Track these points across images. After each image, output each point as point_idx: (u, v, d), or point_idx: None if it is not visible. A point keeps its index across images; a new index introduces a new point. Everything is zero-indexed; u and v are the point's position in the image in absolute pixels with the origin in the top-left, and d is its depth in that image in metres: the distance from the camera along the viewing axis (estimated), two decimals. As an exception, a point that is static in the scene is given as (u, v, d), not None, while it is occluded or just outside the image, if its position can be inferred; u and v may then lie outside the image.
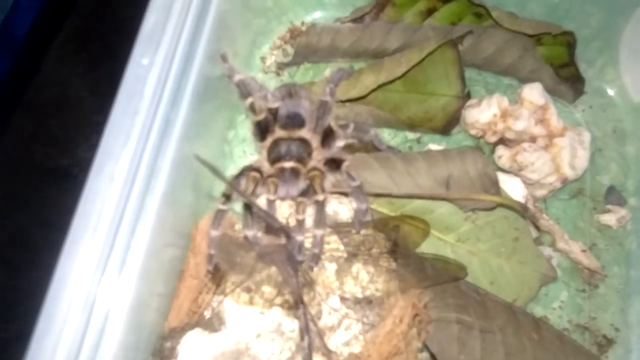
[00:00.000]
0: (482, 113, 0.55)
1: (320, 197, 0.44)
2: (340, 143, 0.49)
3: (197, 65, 0.43)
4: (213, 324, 0.44)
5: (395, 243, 0.45)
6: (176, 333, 0.44)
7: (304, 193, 0.46)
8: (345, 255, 0.45)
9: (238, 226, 0.48)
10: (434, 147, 0.55)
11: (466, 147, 0.52)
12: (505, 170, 0.56)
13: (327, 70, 0.61)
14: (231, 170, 0.53)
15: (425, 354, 0.46)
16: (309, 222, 0.45)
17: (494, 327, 0.45)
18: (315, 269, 0.44)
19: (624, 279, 0.55)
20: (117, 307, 0.37)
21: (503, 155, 0.55)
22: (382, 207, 0.50)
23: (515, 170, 0.55)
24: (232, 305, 0.44)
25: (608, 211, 0.57)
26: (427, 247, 0.49)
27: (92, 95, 0.70)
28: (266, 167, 0.48)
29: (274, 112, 0.50)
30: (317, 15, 0.63)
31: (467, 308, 0.45)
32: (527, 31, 0.57)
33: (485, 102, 0.56)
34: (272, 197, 0.45)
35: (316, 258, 0.44)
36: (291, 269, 0.43)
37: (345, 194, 0.48)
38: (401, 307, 0.42)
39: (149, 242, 0.39)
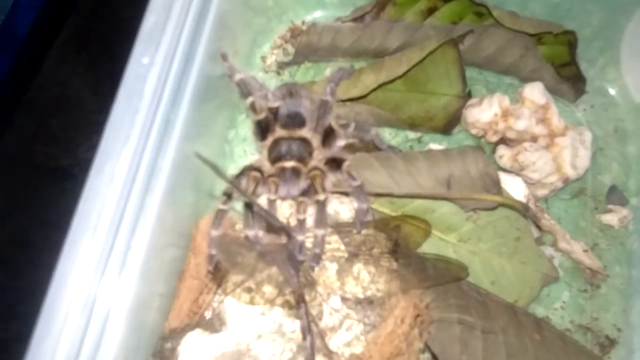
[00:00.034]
0: (483, 112, 0.55)
1: (321, 197, 0.44)
2: (341, 142, 0.49)
3: (197, 65, 0.43)
4: (214, 325, 0.44)
5: (396, 243, 0.45)
6: (176, 334, 0.44)
7: (304, 193, 0.46)
8: (346, 255, 0.45)
9: (239, 226, 0.48)
10: (434, 146, 0.55)
11: (467, 147, 0.52)
12: (506, 169, 0.55)
13: (328, 70, 0.60)
14: (232, 170, 0.53)
15: (427, 355, 0.46)
16: (310, 222, 0.44)
17: (495, 328, 0.45)
18: (316, 269, 0.44)
19: (625, 279, 0.55)
20: (117, 307, 0.37)
21: (504, 154, 0.55)
22: (383, 207, 0.50)
23: (517, 170, 0.55)
24: (232, 306, 0.44)
25: (610, 211, 0.57)
26: (428, 247, 0.49)
27: (92, 95, 0.70)
28: (267, 167, 0.48)
29: (274, 112, 0.50)
30: (317, 15, 0.63)
31: (469, 308, 0.45)
32: (528, 30, 0.57)
33: (486, 102, 0.56)
34: (272, 197, 0.45)
35: (317, 258, 0.44)
36: (292, 269, 0.43)
37: (346, 194, 0.48)
38: (403, 308, 0.42)
39: (149, 242, 0.39)
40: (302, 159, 0.47)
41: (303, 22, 0.62)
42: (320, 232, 0.43)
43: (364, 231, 0.45)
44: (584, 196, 0.58)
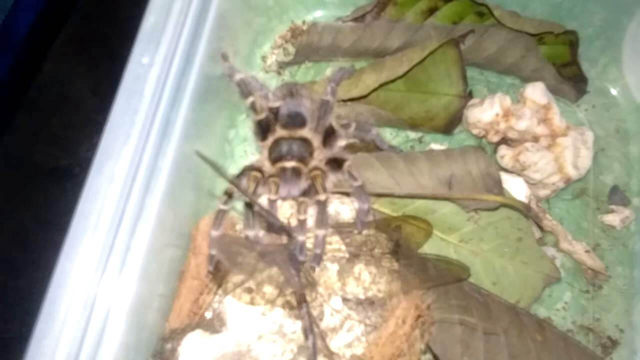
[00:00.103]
0: (485, 112, 0.55)
1: (321, 197, 0.44)
2: (341, 142, 0.49)
3: (197, 64, 0.43)
4: (214, 325, 0.44)
5: (397, 243, 0.45)
6: (177, 334, 0.43)
7: (305, 193, 0.46)
8: (347, 255, 0.44)
9: (239, 226, 0.48)
10: (435, 146, 0.55)
11: (468, 147, 0.52)
12: (507, 170, 0.55)
13: (329, 70, 0.60)
14: (232, 170, 0.53)
15: (428, 356, 0.46)
16: (311, 222, 0.44)
17: (497, 329, 0.44)
18: (317, 269, 0.44)
19: (627, 279, 0.55)
20: (117, 307, 0.37)
21: (505, 155, 0.55)
22: (384, 207, 0.49)
23: (518, 170, 0.54)
24: (233, 306, 0.44)
25: (611, 211, 0.57)
26: (429, 248, 0.49)
27: (93, 94, 0.70)
28: (267, 167, 0.47)
29: (275, 112, 0.50)
30: (318, 14, 0.63)
31: (471, 309, 0.44)
32: (529, 30, 0.57)
33: (487, 102, 0.56)
34: (273, 197, 0.45)
35: (318, 258, 0.43)
36: (293, 269, 0.42)
37: (347, 194, 0.48)
38: (404, 308, 0.42)
39: (149, 242, 0.39)
40: (302, 159, 0.47)
41: (304, 22, 0.62)
42: (321, 232, 0.43)
43: (365, 232, 0.45)
44: (585, 196, 0.58)
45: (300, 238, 0.43)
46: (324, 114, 0.49)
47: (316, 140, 0.49)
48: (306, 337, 0.41)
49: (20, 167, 0.67)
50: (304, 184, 0.46)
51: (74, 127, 0.67)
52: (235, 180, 0.45)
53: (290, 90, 0.52)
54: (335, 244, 0.45)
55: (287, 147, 0.48)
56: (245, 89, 0.49)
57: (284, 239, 0.44)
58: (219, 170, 0.37)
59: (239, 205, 0.46)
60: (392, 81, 0.54)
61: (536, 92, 0.56)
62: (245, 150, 0.57)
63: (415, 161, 0.50)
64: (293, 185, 0.46)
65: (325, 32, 0.57)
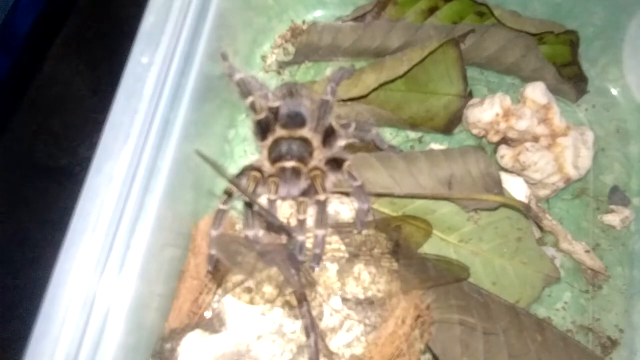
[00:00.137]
0: (485, 112, 0.55)
1: (321, 197, 0.44)
2: (341, 142, 0.49)
3: (197, 64, 0.43)
4: (214, 325, 0.44)
5: (397, 244, 0.45)
6: (176, 334, 0.43)
7: (305, 193, 0.46)
8: (347, 256, 0.44)
9: (239, 226, 0.48)
10: (436, 146, 0.55)
11: (469, 147, 0.52)
12: (508, 170, 0.55)
13: (329, 69, 0.60)
14: (232, 170, 0.53)
15: (428, 356, 0.46)
16: (310, 222, 0.44)
17: (497, 329, 0.44)
18: (317, 269, 0.44)
19: (627, 279, 0.55)
20: (117, 307, 0.37)
21: (506, 155, 0.55)
22: (384, 208, 0.49)
23: (518, 170, 0.54)
24: (233, 306, 0.44)
25: (612, 211, 0.57)
26: (429, 248, 0.49)
27: (93, 94, 0.70)
28: (267, 167, 0.47)
29: (275, 112, 0.50)
30: (318, 14, 0.63)
31: (470, 309, 0.44)
32: (530, 30, 0.57)
33: (487, 102, 0.55)
34: (273, 197, 0.45)
35: (318, 259, 0.43)
36: (292, 269, 0.42)
37: (347, 194, 0.48)
38: (403, 309, 0.42)
39: (148, 242, 0.39)
40: (302, 159, 0.47)
41: (304, 22, 0.62)
42: (320, 232, 0.43)
43: (364, 232, 0.45)
44: (586, 197, 0.58)
45: (300, 238, 0.43)
46: (324, 114, 0.49)
47: (316, 141, 0.49)
48: (307, 337, 0.41)
49: (21, 166, 0.67)
50: (303, 184, 0.46)
51: (74, 127, 0.67)
52: (235, 180, 0.45)
53: (290, 90, 0.52)
54: (335, 244, 0.45)
55: (287, 147, 0.48)
56: (245, 89, 0.49)
57: (284, 239, 0.44)
58: (219, 169, 0.37)
59: (239, 205, 0.46)
60: (393, 81, 0.54)
61: (537, 92, 0.56)
62: (245, 150, 0.57)
63: (415, 161, 0.49)
64: (293, 186, 0.46)
65: (325, 32, 0.57)
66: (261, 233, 0.44)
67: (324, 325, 0.43)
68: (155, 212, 0.39)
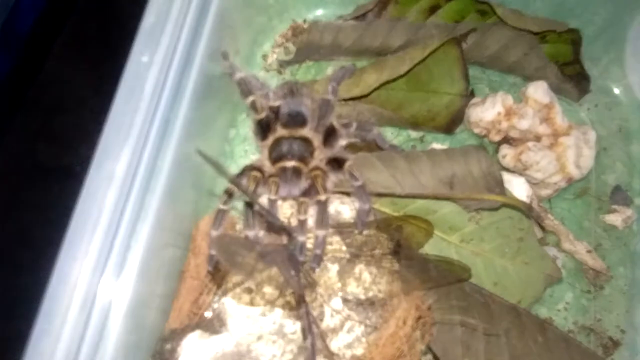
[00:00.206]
0: (486, 111, 0.55)
1: (322, 197, 0.44)
2: (342, 142, 0.49)
3: (197, 63, 0.43)
4: (214, 326, 0.44)
5: (398, 244, 0.45)
6: (176, 334, 0.43)
7: (305, 193, 0.46)
8: (347, 256, 0.44)
9: (239, 226, 0.48)
10: (437, 146, 0.55)
11: (470, 146, 0.51)
12: (509, 169, 0.55)
13: (330, 69, 0.60)
14: (232, 170, 0.53)
15: (428, 357, 0.46)
16: (311, 222, 0.44)
17: (498, 330, 0.44)
18: (317, 270, 0.44)
19: (629, 280, 0.55)
20: (117, 307, 0.37)
21: (507, 154, 0.55)
22: (385, 207, 0.49)
23: (520, 170, 0.54)
24: (233, 307, 0.44)
25: (613, 211, 0.57)
26: (430, 248, 0.48)
27: (94, 94, 0.69)
28: (267, 167, 0.47)
29: (275, 111, 0.50)
30: (319, 13, 0.63)
31: (471, 310, 0.44)
32: (531, 29, 0.56)
33: (489, 101, 0.55)
34: (273, 197, 0.44)
35: (318, 259, 0.43)
36: (293, 270, 0.42)
37: (348, 194, 0.47)
38: (404, 309, 0.42)
39: (148, 241, 0.38)
40: (303, 159, 0.47)
41: (304, 21, 0.62)
42: (321, 232, 0.43)
43: (365, 232, 0.45)
44: (587, 196, 0.58)
45: (301, 238, 0.43)
46: (325, 113, 0.49)
47: (317, 140, 0.49)
48: (305, 337, 0.41)
49: (22, 166, 0.67)
50: (304, 183, 0.46)
51: (76, 126, 0.67)
52: (236, 180, 0.45)
53: (291, 89, 0.51)
54: (336, 244, 0.45)
55: (287, 146, 0.47)
56: (245, 88, 0.49)
57: (284, 239, 0.44)
58: (219, 168, 0.37)
59: (239, 205, 0.45)
60: (394, 80, 0.54)
61: (538, 91, 0.55)
62: (246, 150, 0.57)
63: (416, 161, 0.49)
64: (293, 185, 0.46)
65: (326, 30, 0.57)
66: (261, 233, 0.44)
67: (324, 325, 0.43)
68: (155, 211, 0.39)
